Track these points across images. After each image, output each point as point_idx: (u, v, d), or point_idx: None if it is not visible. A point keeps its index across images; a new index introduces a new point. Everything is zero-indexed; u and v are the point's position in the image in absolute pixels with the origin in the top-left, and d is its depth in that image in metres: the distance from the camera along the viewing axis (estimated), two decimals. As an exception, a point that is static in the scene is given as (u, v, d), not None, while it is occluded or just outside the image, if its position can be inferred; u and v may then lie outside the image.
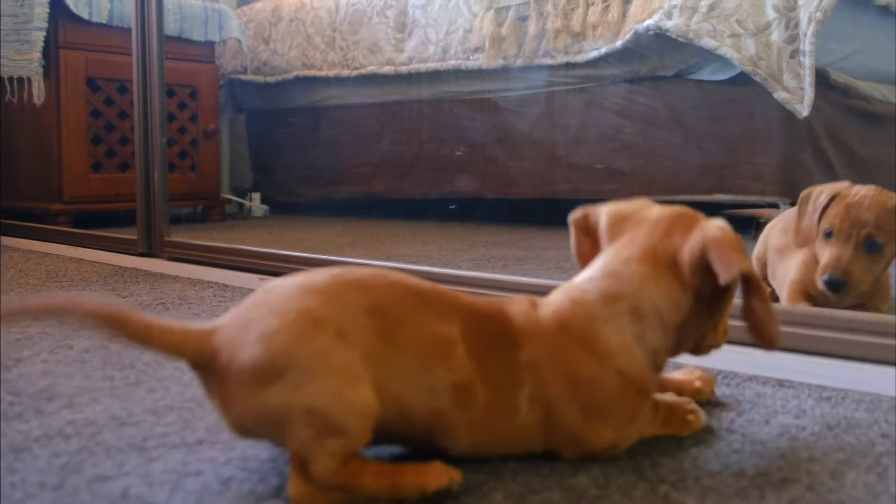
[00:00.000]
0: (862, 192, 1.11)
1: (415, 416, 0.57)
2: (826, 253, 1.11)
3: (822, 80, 1.91)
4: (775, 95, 1.84)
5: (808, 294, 1.16)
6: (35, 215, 2.47)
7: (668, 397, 0.71)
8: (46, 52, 2.46)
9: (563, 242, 2.52)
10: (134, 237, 1.87)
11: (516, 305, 0.64)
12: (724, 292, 0.64)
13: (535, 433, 0.61)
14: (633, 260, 0.64)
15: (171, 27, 2.62)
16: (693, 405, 0.70)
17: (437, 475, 0.55)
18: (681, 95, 2.12)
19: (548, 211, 2.62)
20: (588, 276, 0.66)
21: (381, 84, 2.73)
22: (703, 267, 0.62)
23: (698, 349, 0.68)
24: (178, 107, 2.78)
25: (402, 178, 2.76)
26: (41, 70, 2.47)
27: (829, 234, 1.12)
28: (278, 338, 0.53)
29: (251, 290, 1.44)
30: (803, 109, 1.82)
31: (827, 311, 0.96)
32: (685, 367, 0.81)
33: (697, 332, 0.66)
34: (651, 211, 0.68)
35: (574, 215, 0.73)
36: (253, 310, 0.56)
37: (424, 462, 0.57)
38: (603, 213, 0.70)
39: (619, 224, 0.68)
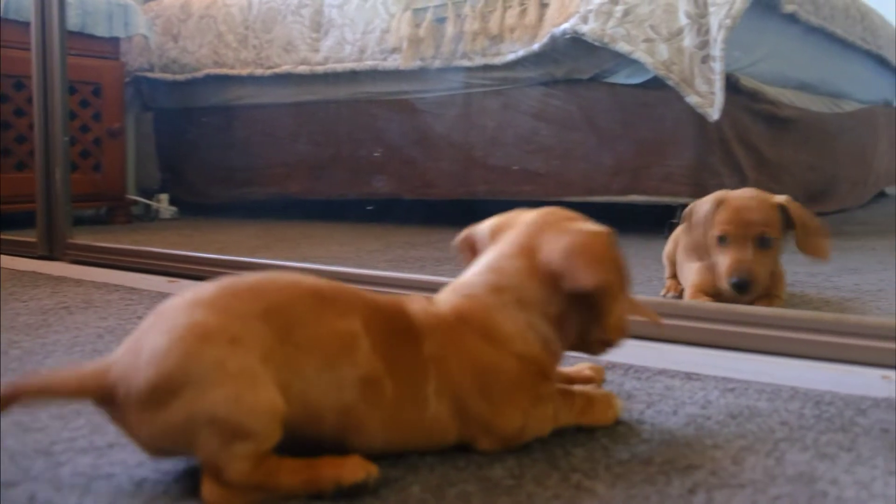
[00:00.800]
0: (744, 195, 1.19)
1: (324, 415, 0.57)
2: (726, 257, 1.17)
3: (732, 84, 1.97)
4: (687, 99, 1.88)
5: (707, 296, 1.20)
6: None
7: (587, 389, 0.72)
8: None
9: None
10: (33, 239, 1.78)
11: (414, 302, 0.65)
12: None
13: (446, 425, 0.61)
14: (511, 255, 0.66)
15: (72, 22, 2.51)
16: (610, 396, 0.71)
17: (354, 469, 0.55)
18: (595, 99, 2.15)
19: (465, 212, 2.62)
20: (473, 273, 0.68)
21: (297, 84, 2.68)
22: (563, 274, 0.63)
23: (587, 345, 0.68)
24: (81, 104, 2.66)
25: (318, 179, 2.72)
26: (-70, 63, 2.33)
27: (722, 240, 1.17)
28: (169, 356, 0.53)
29: (160, 293, 1.40)
30: (714, 113, 1.87)
31: (731, 307, 1.00)
32: (579, 363, 0.82)
33: (580, 327, 0.66)
34: (527, 214, 0.70)
35: (457, 239, 0.75)
36: (144, 335, 0.56)
37: (342, 456, 0.56)
38: (484, 227, 0.72)
39: (499, 231, 0.70)
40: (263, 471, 0.53)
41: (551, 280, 0.64)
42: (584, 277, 0.62)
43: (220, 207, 3.08)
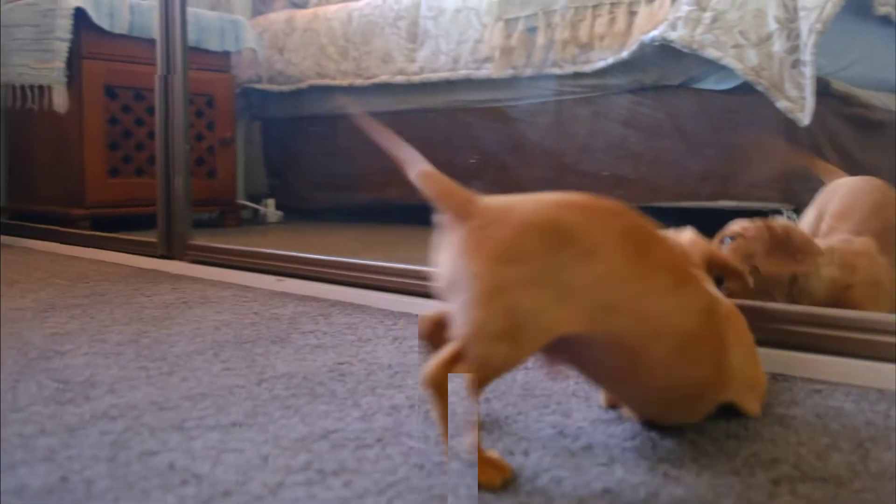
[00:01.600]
0: None
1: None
2: None
3: (823, 88, 1.96)
4: (777, 104, 1.89)
5: None
6: (55, 219, 2.54)
7: None
8: (69, 62, 2.53)
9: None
10: (154, 240, 1.93)
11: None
12: None
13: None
14: None
15: (189, 38, 2.68)
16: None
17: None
18: (684, 105, 2.17)
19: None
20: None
21: (395, 93, 2.80)
22: None
23: None
24: (196, 115, 2.84)
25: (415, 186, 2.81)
26: (64, 79, 2.54)
27: None
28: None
29: (270, 291, 1.51)
30: (804, 118, 1.87)
31: (819, 310, 1.00)
32: None
33: None
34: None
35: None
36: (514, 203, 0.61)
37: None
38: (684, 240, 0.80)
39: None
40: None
41: None
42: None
43: (322, 212, 3.22)
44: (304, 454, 0.66)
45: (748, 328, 0.75)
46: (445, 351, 0.58)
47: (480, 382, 0.57)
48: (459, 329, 0.57)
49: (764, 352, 0.95)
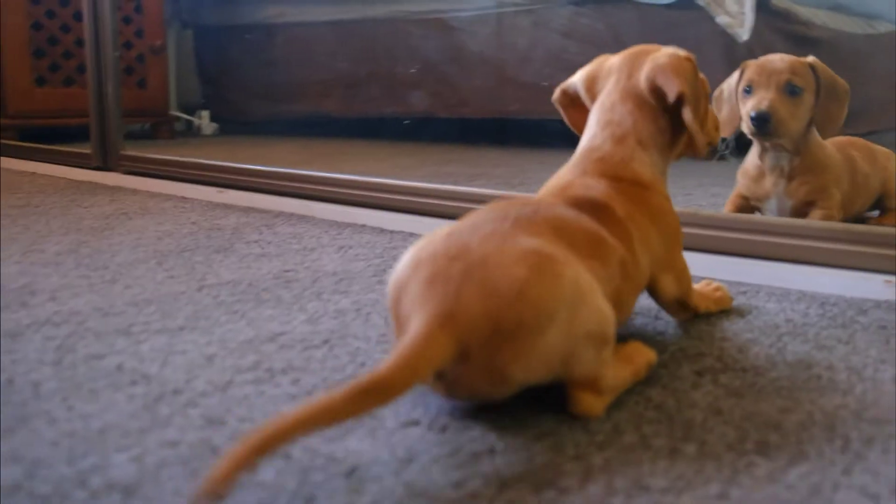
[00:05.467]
0: (771, 55, 1.17)
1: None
2: (750, 101, 1.15)
3: (763, 4, 1.98)
4: (717, 19, 1.91)
5: (743, 198, 1.23)
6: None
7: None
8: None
9: (512, 160, 2.58)
10: (88, 151, 1.88)
11: (575, 188, 0.69)
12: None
13: (646, 272, 0.69)
14: (616, 104, 0.73)
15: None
16: (719, 287, 0.82)
17: (649, 350, 0.62)
18: (625, 18, 2.17)
19: (498, 131, 2.67)
20: (591, 136, 0.74)
21: (336, 2, 2.73)
22: (658, 90, 0.71)
23: (695, 149, 0.75)
24: (123, 21, 2.73)
25: (355, 97, 2.78)
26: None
27: (748, 91, 1.16)
28: (534, 285, 0.52)
29: (210, 202, 1.49)
30: (744, 33, 1.89)
31: (745, 217, 1.05)
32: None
33: (683, 138, 0.75)
34: (612, 60, 0.77)
35: (554, 96, 0.81)
36: (465, 278, 0.52)
37: (625, 344, 0.62)
38: (577, 80, 0.79)
39: (592, 83, 0.77)
40: (615, 376, 0.57)
41: (653, 108, 0.72)
42: (675, 87, 0.69)
43: (259, 124, 3.16)
44: (252, 355, 0.67)
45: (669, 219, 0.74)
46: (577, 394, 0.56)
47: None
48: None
49: (694, 257, 0.99)
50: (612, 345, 0.56)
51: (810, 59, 1.16)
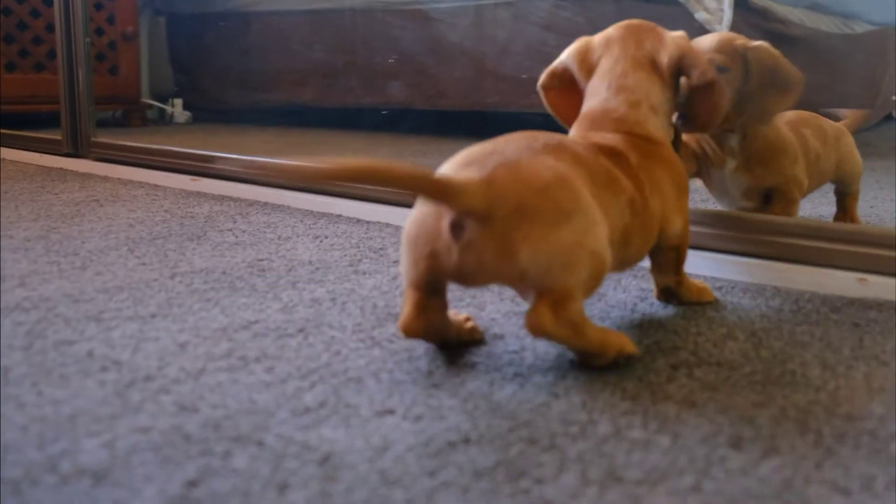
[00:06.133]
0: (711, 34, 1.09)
1: (613, 237, 0.65)
2: None
3: (742, 2, 1.99)
4: (696, 15, 1.92)
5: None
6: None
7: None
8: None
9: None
10: (58, 137, 1.85)
11: (593, 137, 0.73)
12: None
13: (659, 218, 0.73)
14: (628, 71, 0.77)
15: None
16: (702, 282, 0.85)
17: (630, 343, 0.63)
18: (605, 11, 2.17)
19: (476, 124, 2.67)
20: (603, 99, 0.77)
21: (312, -10, 2.71)
22: (678, 69, 0.78)
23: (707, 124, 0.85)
24: (95, 7, 2.69)
25: (332, 87, 2.76)
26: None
27: None
28: (562, 187, 0.59)
29: (184, 191, 1.47)
30: (721, 30, 1.90)
31: (722, 212, 1.04)
32: None
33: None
34: (606, 34, 0.81)
35: (541, 80, 0.84)
36: (511, 164, 0.59)
37: (616, 331, 0.64)
38: (567, 58, 0.82)
39: (585, 55, 0.80)
40: (582, 316, 0.59)
41: (663, 80, 0.77)
42: (710, 73, 0.77)
43: (233, 113, 3.13)
44: (225, 342, 0.66)
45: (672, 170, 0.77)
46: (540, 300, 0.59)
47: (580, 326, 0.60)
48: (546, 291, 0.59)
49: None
50: (597, 286, 0.61)
51: (755, 43, 1.05)
